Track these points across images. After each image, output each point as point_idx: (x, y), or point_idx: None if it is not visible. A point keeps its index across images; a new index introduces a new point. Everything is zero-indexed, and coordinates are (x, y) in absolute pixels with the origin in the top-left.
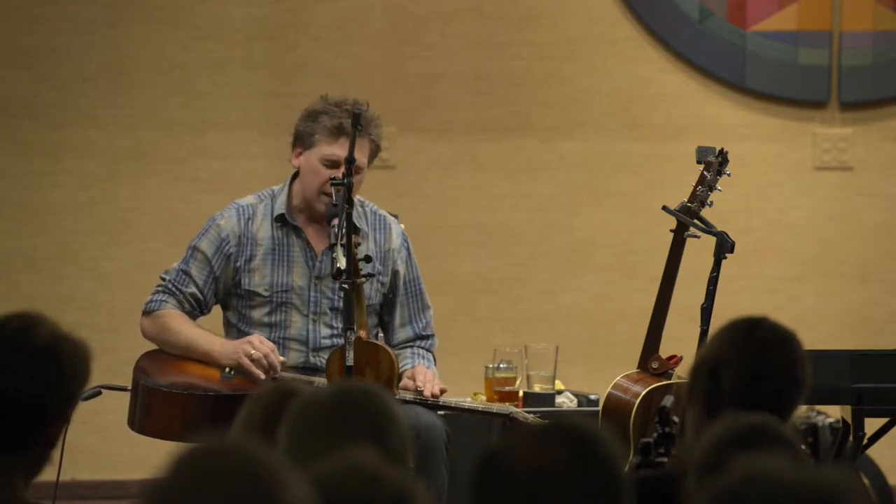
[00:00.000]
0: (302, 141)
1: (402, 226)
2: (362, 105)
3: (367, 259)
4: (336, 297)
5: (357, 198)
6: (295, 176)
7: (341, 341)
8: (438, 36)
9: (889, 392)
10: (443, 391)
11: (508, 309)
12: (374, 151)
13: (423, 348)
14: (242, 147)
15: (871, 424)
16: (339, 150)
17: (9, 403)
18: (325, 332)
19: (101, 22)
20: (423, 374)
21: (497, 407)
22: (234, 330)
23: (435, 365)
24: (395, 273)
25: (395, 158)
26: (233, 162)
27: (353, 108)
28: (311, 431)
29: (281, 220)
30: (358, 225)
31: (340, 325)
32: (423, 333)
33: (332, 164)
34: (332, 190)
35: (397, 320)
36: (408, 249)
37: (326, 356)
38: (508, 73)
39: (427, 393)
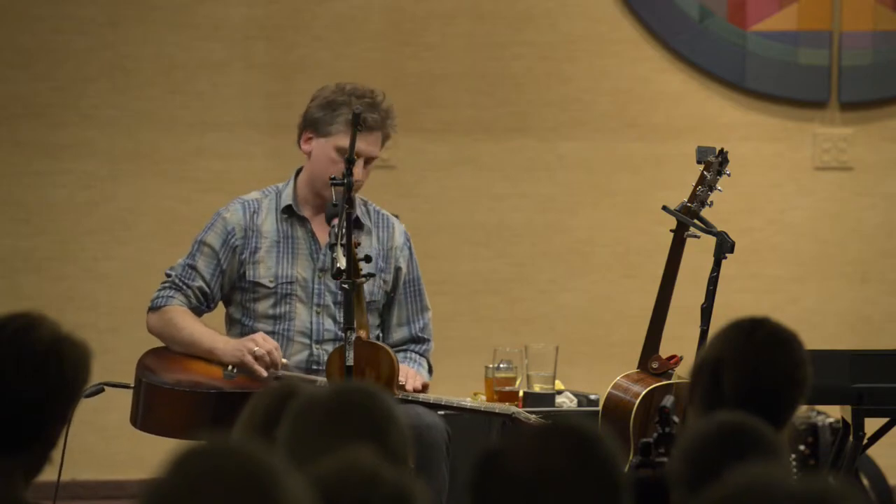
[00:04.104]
0: (316, 128)
1: (404, 226)
2: (378, 95)
3: (368, 259)
4: (339, 291)
5: (359, 197)
6: (299, 170)
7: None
8: (438, 36)
9: (889, 392)
10: (425, 386)
11: (508, 309)
12: (385, 140)
13: (416, 353)
14: (242, 147)
15: (871, 424)
16: (361, 145)
17: (9, 403)
18: (329, 324)
19: (101, 22)
20: (404, 372)
21: (499, 407)
22: (238, 325)
23: (430, 371)
24: (398, 270)
25: (395, 158)
26: (233, 162)
27: (371, 102)
28: (311, 431)
29: (287, 212)
30: (362, 220)
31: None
32: (420, 336)
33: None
34: (332, 190)
35: (394, 319)
36: (410, 249)
37: (330, 349)
38: (508, 73)
39: (409, 388)
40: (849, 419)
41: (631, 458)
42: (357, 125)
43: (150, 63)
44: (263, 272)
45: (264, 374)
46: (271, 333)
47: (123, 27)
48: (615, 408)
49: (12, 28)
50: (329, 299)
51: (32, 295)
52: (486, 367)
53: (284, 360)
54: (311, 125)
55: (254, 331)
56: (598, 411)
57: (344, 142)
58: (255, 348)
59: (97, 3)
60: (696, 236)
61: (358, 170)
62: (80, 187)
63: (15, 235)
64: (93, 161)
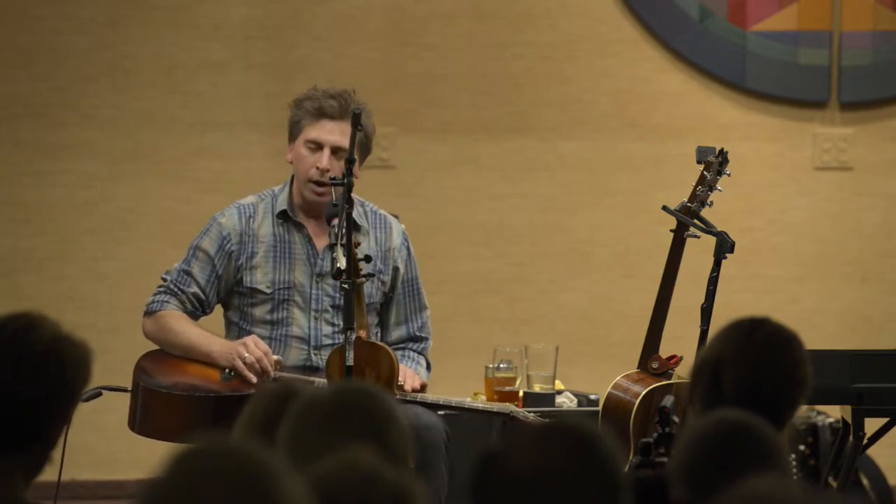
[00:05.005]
0: (291, 133)
1: (403, 226)
2: (350, 93)
3: (368, 259)
4: (338, 295)
5: (356, 198)
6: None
7: (342, 339)
8: (438, 36)
9: (889, 392)
10: (423, 386)
11: (508, 309)
12: (365, 141)
13: (414, 351)
14: (242, 147)
15: (871, 424)
16: (323, 133)
17: (9, 404)
18: (327, 329)
19: (101, 22)
20: (402, 372)
21: (497, 406)
22: (236, 328)
23: (428, 369)
24: (396, 270)
25: (395, 158)
26: (233, 162)
27: (349, 101)
28: (311, 432)
29: (283, 217)
30: (359, 222)
31: (342, 323)
32: (418, 335)
33: (316, 146)
34: (332, 190)
35: (392, 318)
36: (408, 249)
37: (327, 354)
38: (508, 73)
39: (407, 388)
40: (849, 419)
41: (631, 458)
42: (357, 126)
43: (150, 63)
44: (260, 277)
45: (254, 379)
46: (268, 338)
47: (123, 27)
48: (615, 408)
49: (12, 28)
50: (327, 304)
51: (32, 295)
52: (486, 367)
53: (279, 357)
54: (289, 133)
55: (247, 336)
56: (598, 411)
57: (310, 133)
58: (245, 354)
59: (97, 3)
60: (696, 236)
61: (324, 158)
62: (80, 187)
63: (15, 235)
64: (93, 161)
